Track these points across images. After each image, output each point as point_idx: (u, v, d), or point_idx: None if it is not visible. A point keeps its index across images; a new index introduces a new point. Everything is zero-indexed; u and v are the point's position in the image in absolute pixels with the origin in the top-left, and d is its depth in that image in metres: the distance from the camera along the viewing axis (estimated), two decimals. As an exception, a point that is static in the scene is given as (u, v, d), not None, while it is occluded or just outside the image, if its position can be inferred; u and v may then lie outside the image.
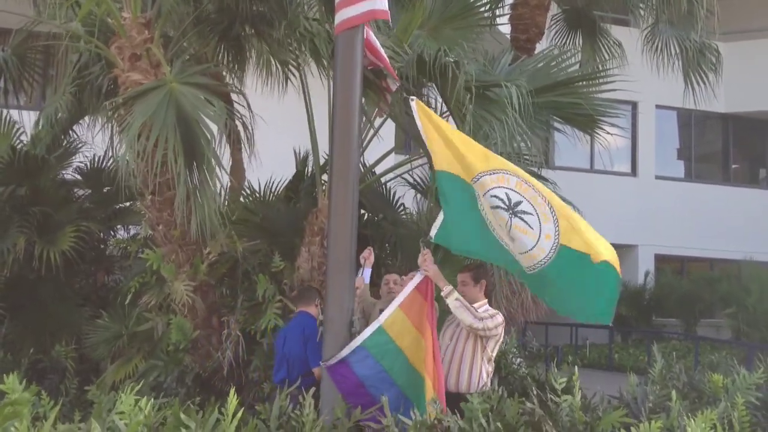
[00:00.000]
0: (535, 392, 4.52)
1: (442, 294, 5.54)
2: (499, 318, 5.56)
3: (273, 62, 8.20)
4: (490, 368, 5.61)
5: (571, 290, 4.75)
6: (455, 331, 5.57)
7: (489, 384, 5.58)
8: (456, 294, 5.46)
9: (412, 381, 4.85)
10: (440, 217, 5.03)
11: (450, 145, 4.94)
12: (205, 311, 6.96)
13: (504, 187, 4.78)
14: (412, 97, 5.18)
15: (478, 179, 4.82)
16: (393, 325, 4.91)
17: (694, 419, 3.96)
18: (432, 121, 5.05)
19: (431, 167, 5.13)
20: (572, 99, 7.28)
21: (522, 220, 4.74)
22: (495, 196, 4.77)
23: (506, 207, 4.77)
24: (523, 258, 4.76)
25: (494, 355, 5.63)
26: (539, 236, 4.71)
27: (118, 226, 9.29)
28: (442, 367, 5.16)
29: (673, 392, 4.75)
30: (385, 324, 4.89)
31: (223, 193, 7.71)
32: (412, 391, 4.83)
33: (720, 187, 20.47)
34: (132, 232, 9.11)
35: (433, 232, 5.04)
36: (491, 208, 4.79)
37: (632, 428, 3.89)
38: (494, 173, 4.84)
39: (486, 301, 5.69)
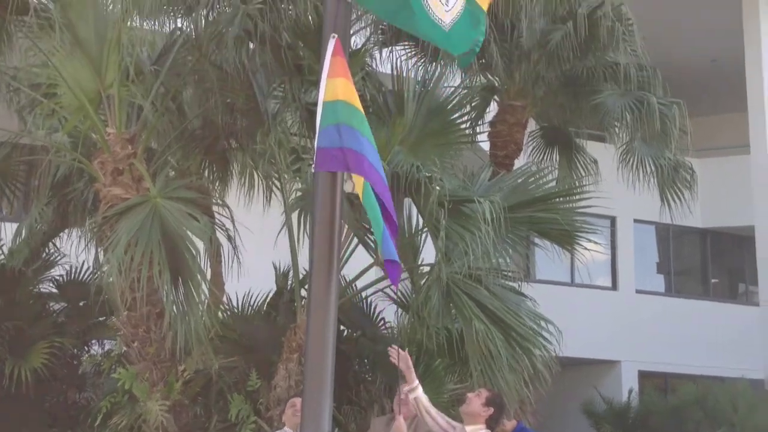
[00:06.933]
0: None
1: (405, 389, 5.34)
2: None
3: (256, 176, 8.27)
4: None
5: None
6: None
7: None
8: (419, 392, 5.29)
9: None
10: None
11: None
12: (177, 432, 6.75)
13: None
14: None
15: None
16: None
17: None
18: None
19: None
20: (550, 215, 7.35)
21: None
22: None
23: None
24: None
25: None
26: None
27: (93, 341, 9.09)
28: None
29: None
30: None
31: (206, 307, 7.62)
32: None
33: (700, 302, 20.49)
34: (107, 347, 8.92)
35: None
36: None
37: None
38: None
39: (484, 427, 5.50)
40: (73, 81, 6.50)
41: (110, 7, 6.63)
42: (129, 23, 6.64)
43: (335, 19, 4.50)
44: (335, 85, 4.53)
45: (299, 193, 7.40)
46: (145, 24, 7.02)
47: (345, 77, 4.54)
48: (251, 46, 7.09)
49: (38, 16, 6.55)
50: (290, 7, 6.77)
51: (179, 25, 7.51)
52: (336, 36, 4.53)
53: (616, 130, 10.94)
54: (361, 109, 4.52)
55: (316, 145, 4.48)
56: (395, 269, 4.26)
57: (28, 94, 7.37)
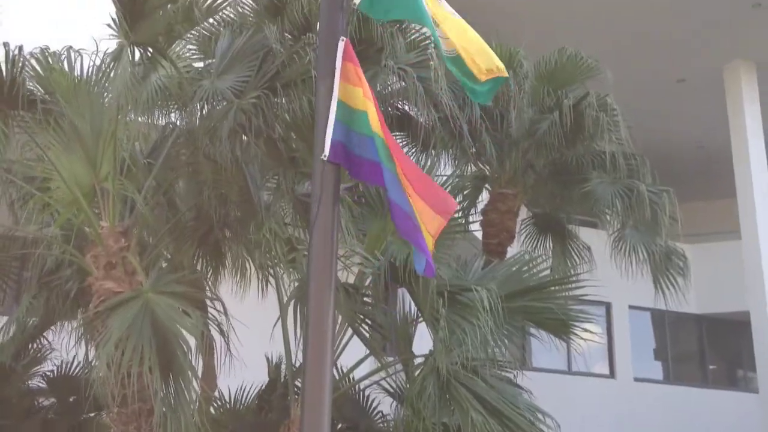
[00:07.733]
0: None
1: None
2: None
3: (248, 266, 8.24)
4: None
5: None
6: None
7: None
8: None
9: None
10: None
11: None
12: None
13: None
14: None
15: None
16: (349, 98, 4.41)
17: None
18: None
19: None
20: (545, 304, 7.32)
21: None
22: None
23: None
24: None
25: None
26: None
27: (82, 438, 8.87)
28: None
29: None
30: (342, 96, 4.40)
31: (197, 403, 7.48)
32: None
33: (699, 390, 20.22)
34: (96, 444, 8.69)
35: None
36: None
37: None
38: None
39: None
40: (68, 174, 6.54)
41: (107, 102, 6.72)
42: (125, 118, 6.72)
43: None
44: (353, 93, 4.46)
45: (296, 283, 7.37)
46: (139, 117, 7.11)
47: (361, 87, 4.46)
48: (245, 138, 7.18)
49: (35, 110, 6.64)
50: (284, 101, 6.88)
51: (173, 118, 7.62)
52: (345, 38, 4.45)
53: (607, 217, 11.03)
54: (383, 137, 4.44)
55: (329, 137, 4.38)
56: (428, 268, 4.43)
57: (21, 188, 7.40)
